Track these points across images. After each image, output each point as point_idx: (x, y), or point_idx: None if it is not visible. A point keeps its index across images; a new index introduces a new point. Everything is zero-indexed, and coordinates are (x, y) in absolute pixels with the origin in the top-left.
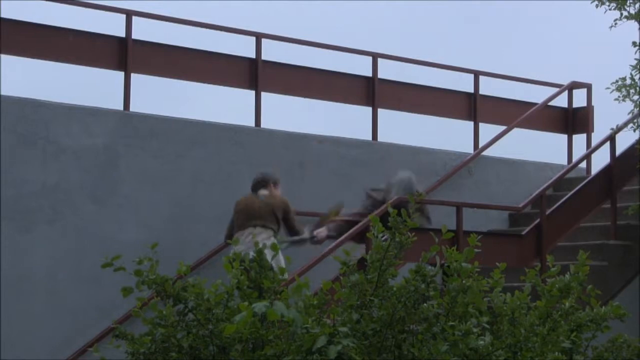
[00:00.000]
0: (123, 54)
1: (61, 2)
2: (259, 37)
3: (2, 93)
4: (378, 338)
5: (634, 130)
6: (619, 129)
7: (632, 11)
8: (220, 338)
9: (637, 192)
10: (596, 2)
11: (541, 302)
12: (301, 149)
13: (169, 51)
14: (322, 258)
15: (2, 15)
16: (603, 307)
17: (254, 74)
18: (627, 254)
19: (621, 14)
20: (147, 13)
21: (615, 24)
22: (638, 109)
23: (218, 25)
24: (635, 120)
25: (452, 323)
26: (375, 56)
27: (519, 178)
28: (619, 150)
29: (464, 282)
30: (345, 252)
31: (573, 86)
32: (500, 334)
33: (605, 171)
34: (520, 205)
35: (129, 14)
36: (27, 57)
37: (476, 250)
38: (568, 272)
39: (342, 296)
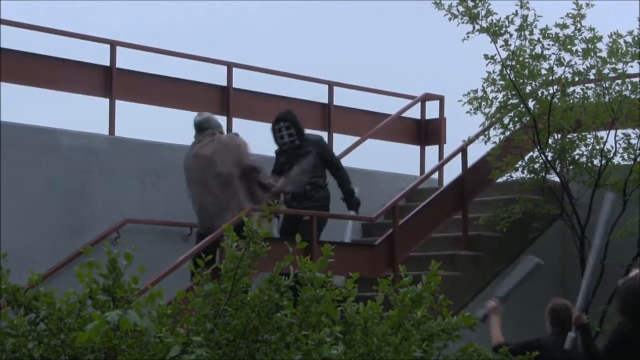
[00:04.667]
0: None
1: None
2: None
3: None
4: (232, 347)
5: (485, 143)
6: (470, 140)
7: (484, 24)
8: (72, 348)
9: (488, 203)
10: (449, 15)
11: (393, 311)
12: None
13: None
14: (176, 267)
15: None
16: (454, 317)
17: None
18: (477, 264)
19: (473, 27)
20: None
21: (468, 37)
22: (489, 121)
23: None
24: (486, 133)
25: (306, 332)
26: (230, 65)
27: (372, 188)
28: (471, 161)
29: (317, 291)
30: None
31: (426, 98)
32: (353, 343)
33: (457, 182)
34: (374, 216)
35: None
36: None
37: (330, 260)
38: (420, 282)
39: (195, 305)
